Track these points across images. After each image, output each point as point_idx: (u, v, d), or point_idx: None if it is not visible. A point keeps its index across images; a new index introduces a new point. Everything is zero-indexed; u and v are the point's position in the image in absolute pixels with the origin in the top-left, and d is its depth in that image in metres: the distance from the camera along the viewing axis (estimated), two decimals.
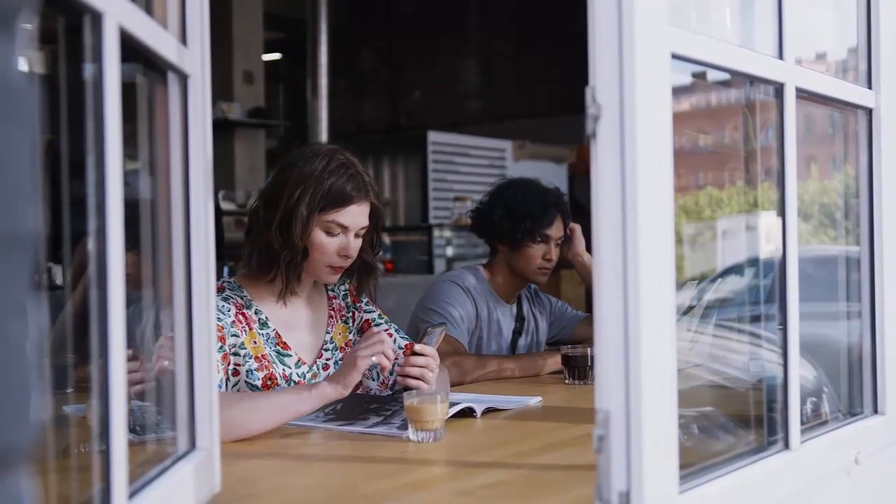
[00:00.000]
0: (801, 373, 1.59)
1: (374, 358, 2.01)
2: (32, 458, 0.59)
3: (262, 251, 2.22)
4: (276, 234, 2.19)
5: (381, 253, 2.52)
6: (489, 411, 2.21)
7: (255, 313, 2.24)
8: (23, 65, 0.56)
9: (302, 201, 2.17)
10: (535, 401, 2.38)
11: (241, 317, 2.20)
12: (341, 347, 2.38)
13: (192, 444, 1.38)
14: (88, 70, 1.01)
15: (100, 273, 1.01)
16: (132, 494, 1.10)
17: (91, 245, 1.01)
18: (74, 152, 1.02)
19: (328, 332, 2.37)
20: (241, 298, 2.24)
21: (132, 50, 1.12)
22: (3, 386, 0.54)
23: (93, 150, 1.00)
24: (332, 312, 2.40)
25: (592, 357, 2.69)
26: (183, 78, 1.35)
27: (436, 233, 7.62)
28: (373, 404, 2.18)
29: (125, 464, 1.03)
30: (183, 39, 1.35)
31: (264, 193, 2.26)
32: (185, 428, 1.37)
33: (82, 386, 1.38)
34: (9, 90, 0.52)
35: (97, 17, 1.00)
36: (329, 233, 2.22)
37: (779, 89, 1.55)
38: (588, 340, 3.00)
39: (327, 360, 2.34)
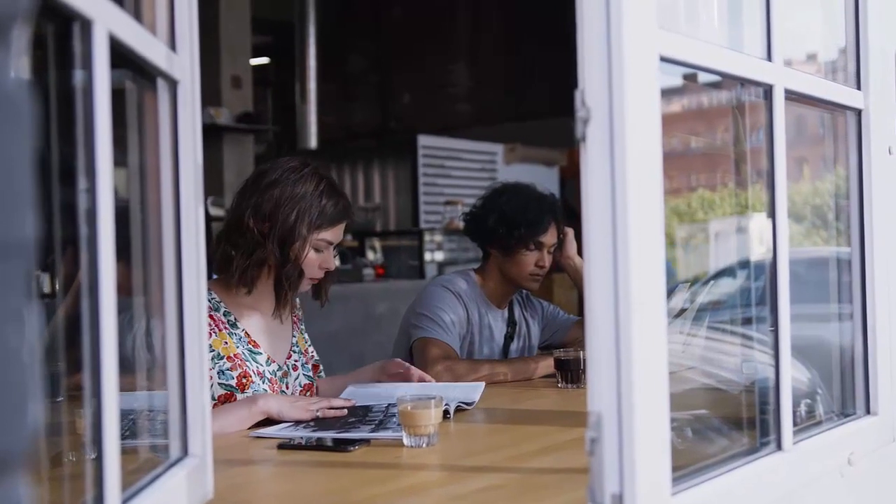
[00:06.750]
0: (795, 375, 1.59)
1: (319, 413, 2.15)
2: (30, 465, 0.59)
3: (254, 266, 2.29)
4: (275, 252, 2.28)
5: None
6: (459, 410, 2.25)
7: (224, 315, 2.32)
8: (18, 72, 0.56)
9: (301, 222, 2.27)
10: (479, 387, 2.43)
11: (209, 319, 2.24)
12: (304, 352, 2.50)
13: (185, 451, 1.38)
14: (78, 77, 1.01)
15: (91, 281, 1.00)
16: (125, 501, 1.09)
17: (82, 253, 1.00)
18: (63, 159, 1.01)
19: (294, 337, 2.48)
20: (210, 301, 2.28)
21: (121, 56, 1.11)
22: (1, 392, 0.54)
23: (83, 157, 1.00)
24: (295, 320, 2.52)
25: (585, 360, 2.70)
26: (172, 84, 1.34)
27: (427, 237, 7.60)
28: (365, 415, 2.17)
29: (118, 471, 1.03)
30: (172, 45, 1.35)
31: (256, 210, 2.28)
32: (177, 435, 1.37)
33: (73, 395, 1.38)
34: (5, 98, 0.52)
35: (87, 24, 0.99)
36: (317, 249, 2.33)
37: (768, 91, 1.56)
38: (580, 344, 3.00)
39: (295, 361, 2.45)
